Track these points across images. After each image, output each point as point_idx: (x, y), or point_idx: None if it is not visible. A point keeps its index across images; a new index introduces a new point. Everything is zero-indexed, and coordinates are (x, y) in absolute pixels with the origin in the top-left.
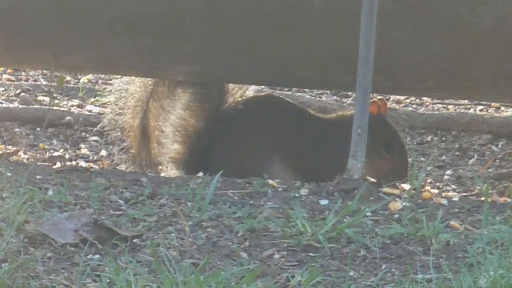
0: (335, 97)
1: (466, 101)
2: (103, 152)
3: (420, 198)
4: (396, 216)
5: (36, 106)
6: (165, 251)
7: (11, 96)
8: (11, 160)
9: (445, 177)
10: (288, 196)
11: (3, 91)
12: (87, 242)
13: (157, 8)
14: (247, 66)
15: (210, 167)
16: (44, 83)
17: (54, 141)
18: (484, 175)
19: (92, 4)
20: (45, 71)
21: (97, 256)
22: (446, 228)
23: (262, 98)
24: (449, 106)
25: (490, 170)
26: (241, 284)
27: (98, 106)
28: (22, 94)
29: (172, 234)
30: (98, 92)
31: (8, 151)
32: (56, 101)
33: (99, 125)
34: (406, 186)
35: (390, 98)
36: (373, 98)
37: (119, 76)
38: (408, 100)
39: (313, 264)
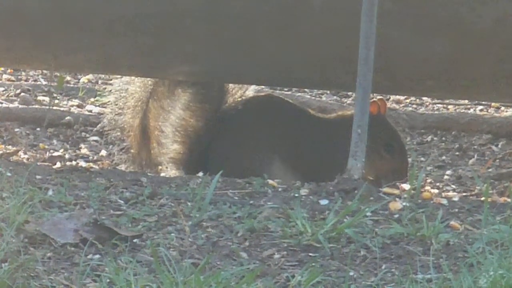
0: (335, 97)
1: (466, 101)
2: (103, 152)
3: (420, 198)
4: (396, 216)
5: (36, 106)
6: (165, 251)
7: (11, 96)
8: (11, 160)
9: (445, 177)
10: (288, 196)
11: (3, 91)
12: (87, 242)
13: (157, 8)
14: (247, 66)
15: (210, 167)
16: (44, 83)
17: (54, 141)
18: (484, 175)
19: (92, 4)
20: (45, 71)
21: (97, 256)
22: (446, 228)
23: (262, 98)
24: (449, 106)
25: (490, 170)
26: (241, 284)
27: (98, 106)
28: (22, 94)
29: (172, 234)
30: (98, 92)
31: (8, 151)
32: (56, 101)
33: (99, 125)
34: (406, 186)
35: (390, 98)
36: (373, 98)
37: (119, 76)
38: (408, 100)
39: (313, 264)
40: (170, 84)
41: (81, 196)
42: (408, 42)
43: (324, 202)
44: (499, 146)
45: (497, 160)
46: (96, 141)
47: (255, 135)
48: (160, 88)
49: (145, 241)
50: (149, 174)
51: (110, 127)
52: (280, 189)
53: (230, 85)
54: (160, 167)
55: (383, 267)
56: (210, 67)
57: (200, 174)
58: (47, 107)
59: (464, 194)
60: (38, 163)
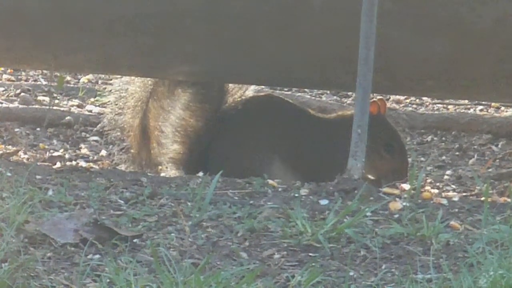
0: (335, 97)
1: (466, 101)
2: (103, 152)
3: (420, 198)
4: (396, 216)
5: (36, 106)
6: (165, 251)
7: (11, 96)
8: (11, 160)
9: (445, 177)
10: (288, 196)
11: (3, 91)
12: (87, 242)
13: (157, 8)
14: (247, 66)
15: (210, 167)
16: (44, 83)
17: (54, 141)
18: (484, 175)
19: (92, 4)
20: (45, 71)
21: (97, 256)
22: (446, 228)
23: (262, 98)
24: (449, 106)
25: (490, 170)
26: (241, 284)
27: (98, 106)
28: (22, 94)
29: (172, 234)
30: (98, 92)
31: (8, 151)
32: (56, 101)
33: (99, 125)
34: (406, 186)
35: (390, 98)
36: (373, 98)
37: (119, 76)
38: (408, 100)
39: (313, 264)
40: (170, 84)
41: (81, 196)
42: (408, 42)
43: (324, 202)
44: (499, 146)
45: (497, 160)
46: (96, 141)
47: (255, 135)
48: (160, 88)
49: (145, 241)
50: (149, 174)
51: (110, 127)
52: (280, 189)
53: (230, 85)
54: (160, 167)
55: (383, 267)
56: (210, 67)
57: (200, 174)
58: (47, 107)
59: (464, 194)
60: (38, 163)
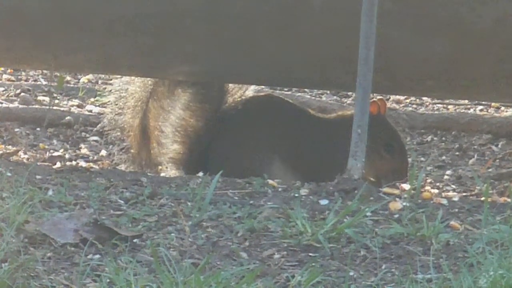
0: (335, 97)
1: (466, 101)
2: (103, 152)
3: (420, 198)
4: (396, 216)
5: (36, 106)
6: (165, 251)
7: (11, 96)
8: (11, 160)
9: (445, 177)
10: (288, 196)
11: (3, 91)
12: (87, 242)
13: (157, 8)
14: (247, 66)
15: (210, 167)
16: (44, 83)
17: (54, 141)
18: (484, 175)
19: (92, 4)
20: (45, 71)
21: (97, 256)
22: (446, 228)
23: (262, 98)
24: (449, 106)
25: (490, 170)
26: (241, 284)
27: (98, 106)
28: (22, 94)
29: (172, 234)
30: (98, 92)
31: (8, 151)
32: (56, 101)
33: (99, 125)
34: (406, 186)
35: (390, 98)
36: (373, 98)
37: (119, 76)
38: (408, 100)
39: (313, 264)
40: (170, 84)
41: (81, 196)
42: (408, 42)
43: (324, 202)
44: (499, 146)
45: (497, 160)
46: (96, 141)
47: (255, 135)
48: (160, 88)
49: (145, 241)
50: (149, 174)
51: (110, 127)
52: (280, 189)
53: (230, 85)
54: (160, 167)
55: (383, 267)
56: (210, 67)
57: (200, 174)
58: (47, 107)
59: (464, 194)
60: (38, 163)
